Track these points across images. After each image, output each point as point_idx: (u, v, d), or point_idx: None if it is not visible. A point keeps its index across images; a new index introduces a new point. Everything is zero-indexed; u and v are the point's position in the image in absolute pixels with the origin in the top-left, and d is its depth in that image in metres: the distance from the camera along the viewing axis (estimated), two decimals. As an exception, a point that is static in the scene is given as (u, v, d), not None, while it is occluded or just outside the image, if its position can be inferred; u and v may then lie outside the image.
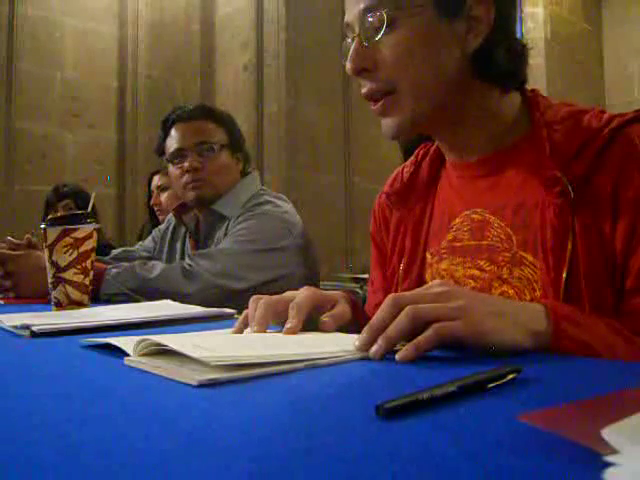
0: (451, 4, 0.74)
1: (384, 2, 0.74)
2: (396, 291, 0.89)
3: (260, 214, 1.48)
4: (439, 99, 0.77)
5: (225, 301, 1.12)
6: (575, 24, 5.18)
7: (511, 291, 0.76)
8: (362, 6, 0.76)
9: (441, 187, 0.90)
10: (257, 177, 1.67)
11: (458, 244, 0.84)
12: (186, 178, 1.53)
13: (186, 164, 1.52)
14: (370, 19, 0.75)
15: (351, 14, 0.78)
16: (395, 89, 0.76)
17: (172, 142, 1.57)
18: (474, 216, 0.82)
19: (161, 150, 1.62)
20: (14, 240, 1.38)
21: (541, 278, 0.73)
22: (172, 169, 1.58)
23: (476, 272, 0.81)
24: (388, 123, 0.79)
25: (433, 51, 0.75)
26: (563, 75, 4.87)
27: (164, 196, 2.50)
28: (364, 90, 0.79)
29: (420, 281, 0.87)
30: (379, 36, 0.75)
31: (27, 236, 1.39)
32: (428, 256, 0.88)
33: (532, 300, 0.73)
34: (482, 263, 0.80)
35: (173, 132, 1.57)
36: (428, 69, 0.75)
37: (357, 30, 0.77)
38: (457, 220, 0.85)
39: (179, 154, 1.55)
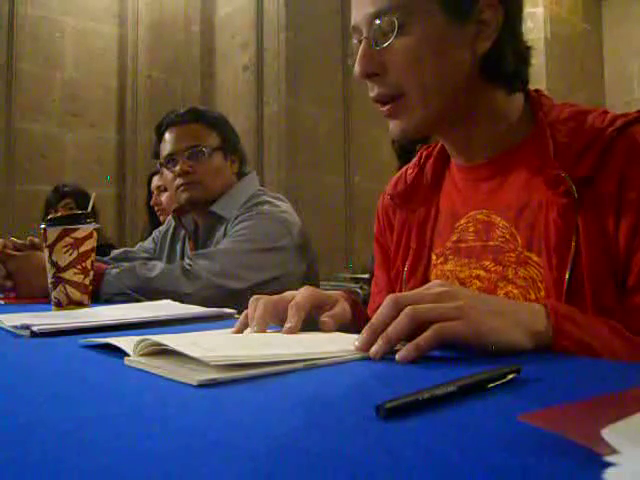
0: (461, 9, 0.74)
1: (394, 7, 0.73)
2: (400, 292, 0.88)
3: (259, 214, 1.48)
4: (448, 103, 0.77)
5: (225, 301, 1.12)
6: (575, 24, 5.17)
7: (516, 291, 0.76)
8: (372, 10, 0.75)
9: (446, 188, 0.90)
10: (255, 178, 1.68)
11: (463, 245, 0.84)
12: (178, 181, 1.54)
13: (177, 168, 1.54)
14: (380, 23, 0.75)
15: (359, 16, 0.77)
16: (404, 93, 0.76)
17: (164, 147, 1.59)
18: (479, 217, 0.82)
19: (157, 154, 1.64)
20: (18, 241, 1.38)
21: (545, 277, 0.73)
22: (166, 173, 1.60)
23: (482, 273, 0.80)
24: (396, 125, 0.79)
25: (443, 56, 0.75)
26: (563, 75, 4.87)
27: (164, 196, 2.50)
28: (372, 94, 0.79)
29: (425, 282, 0.86)
30: (389, 41, 0.74)
31: (30, 237, 1.39)
32: (433, 257, 0.88)
33: (537, 300, 0.73)
34: (487, 264, 0.80)
35: (166, 136, 1.59)
36: (438, 74, 0.75)
37: (365, 33, 0.77)
38: (462, 221, 0.85)
39: (170, 159, 1.56)
